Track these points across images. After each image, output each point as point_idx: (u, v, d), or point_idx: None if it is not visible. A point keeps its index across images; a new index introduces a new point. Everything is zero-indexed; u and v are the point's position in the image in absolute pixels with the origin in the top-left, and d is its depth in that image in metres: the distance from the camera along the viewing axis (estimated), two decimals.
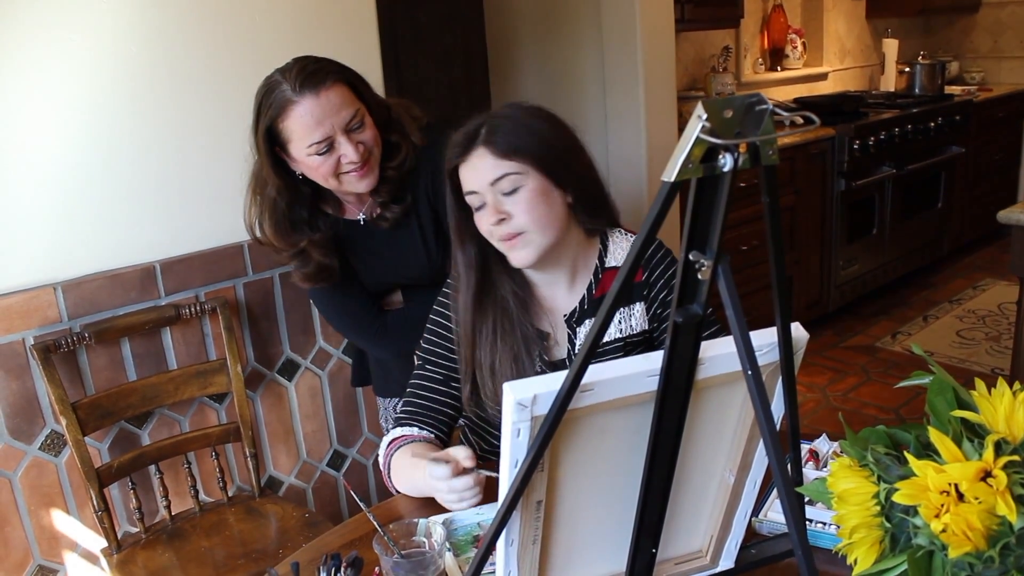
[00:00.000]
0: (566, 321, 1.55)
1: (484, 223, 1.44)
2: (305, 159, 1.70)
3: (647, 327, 1.56)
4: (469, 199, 1.44)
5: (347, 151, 1.68)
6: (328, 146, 1.68)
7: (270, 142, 1.71)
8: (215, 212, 2.18)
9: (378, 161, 1.76)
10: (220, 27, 2.11)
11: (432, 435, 1.52)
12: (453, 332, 1.54)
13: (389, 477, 1.49)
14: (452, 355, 1.55)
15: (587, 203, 1.51)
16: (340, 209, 1.90)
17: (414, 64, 3.84)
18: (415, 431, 1.51)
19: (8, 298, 1.91)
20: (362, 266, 1.93)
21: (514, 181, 1.41)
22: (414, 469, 1.41)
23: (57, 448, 2.03)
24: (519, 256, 1.45)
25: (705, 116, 0.66)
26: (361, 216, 1.88)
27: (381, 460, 1.50)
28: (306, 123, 1.65)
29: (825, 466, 1.36)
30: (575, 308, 1.55)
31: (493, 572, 0.96)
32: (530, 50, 3.79)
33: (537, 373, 1.51)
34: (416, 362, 1.59)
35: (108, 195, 2.03)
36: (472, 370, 1.52)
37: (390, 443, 1.50)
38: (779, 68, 4.95)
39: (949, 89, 5.30)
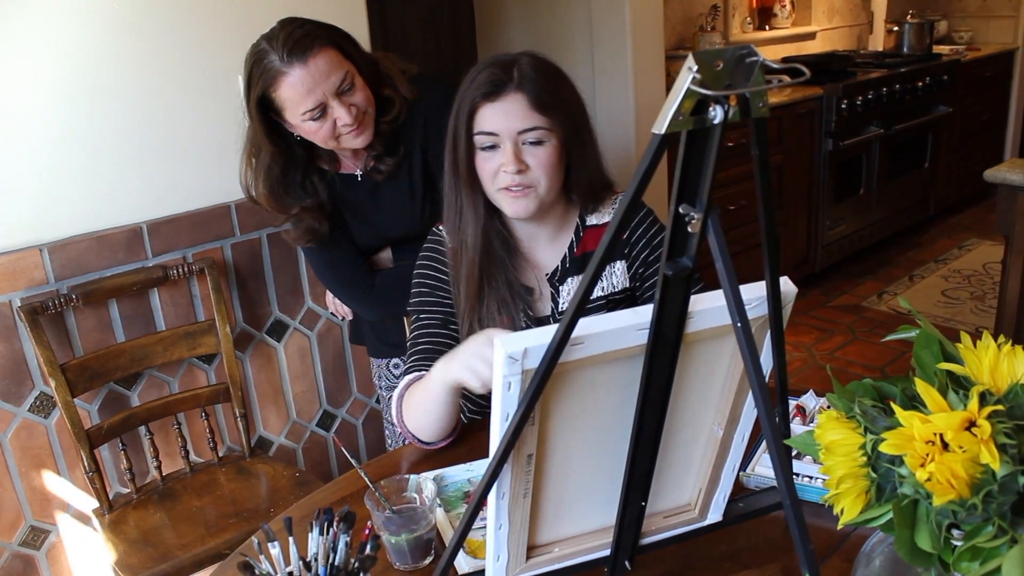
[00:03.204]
0: (548, 279, 1.56)
1: (492, 165, 1.43)
2: (301, 125, 1.71)
3: (628, 285, 1.57)
4: (481, 139, 1.42)
5: (341, 114, 1.69)
6: (321, 111, 1.69)
7: (264, 110, 1.72)
8: (202, 172, 2.17)
9: (373, 119, 1.77)
10: None
11: None
12: (447, 273, 1.54)
13: (403, 421, 1.43)
14: (446, 299, 1.54)
15: (583, 183, 1.52)
16: (336, 164, 1.90)
17: (400, 22, 3.81)
18: (424, 373, 1.44)
19: None
20: (357, 221, 1.94)
21: (540, 136, 1.41)
22: (424, 383, 1.37)
23: (46, 410, 2.03)
24: (519, 207, 1.44)
25: (696, 68, 0.66)
26: (358, 172, 1.90)
27: (394, 409, 1.45)
28: (298, 92, 1.66)
29: (812, 421, 1.38)
30: (557, 266, 1.56)
31: (484, 526, 0.97)
32: (518, 7, 3.75)
33: (522, 324, 1.52)
34: (411, 305, 1.58)
35: (94, 156, 2.01)
36: (472, 309, 1.51)
37: (401, 391, 1.46)
38: (767, 27, 4.92)
39: (937, 48, 5.28)
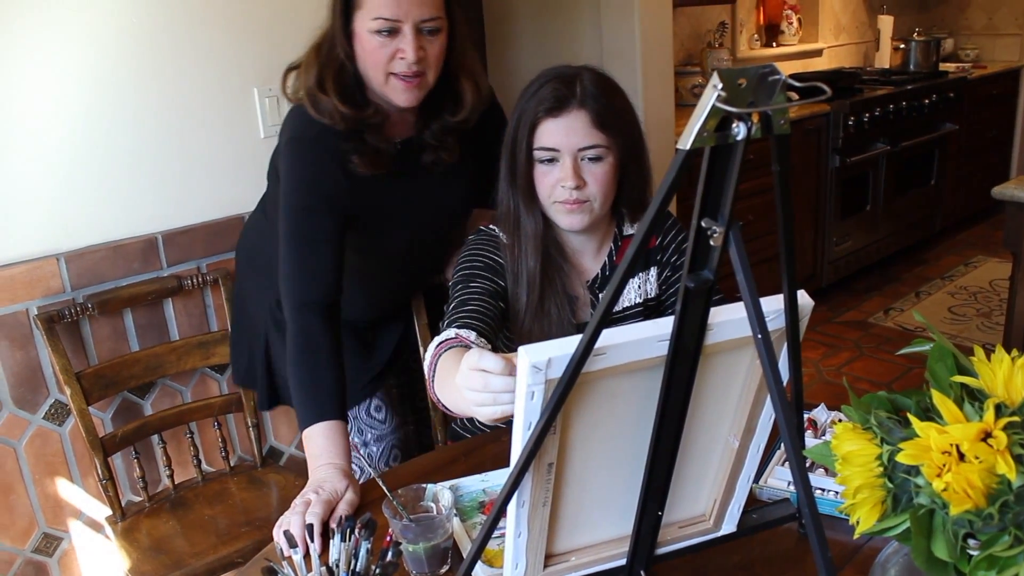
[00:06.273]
0: (588, 287, 1.59)
1: (550, 180, 1.45)
2: (365, 34, 1.55)
3: (660, 291, 1.61)
4: (541, 153, 1.45)
5: (407, 46, 1.53)
6: (390, 32, 1.53)
7: (346, 1, 1.57)
8: (217, 184, 2.19)
9: (428, 87, 1.61)
10: None
11: (488, 346, 1.37)
12: (503, 261, 1.53)
13: (433, 381, 1.29)
14: (500, 282, 1.51)
15: (635, 198, 1.55)
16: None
17: None
18: (472, 336, 1.35)
19: (11, 268, 1.92)
20: (379, 198, 1.72)
21: (600, 153, 1.44)
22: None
23: (61, 417, 2.04)
24: (574, 220, 1.48)
25: (720, 85, 0.68)
26: (397, 140, 1.70)
27: (427, 362, 1.33)
28: None
29: (824, 434, 1.39)
30: (597, 274, 1.59)
31: (501, 535, 0.98)
32: (527, 25, 3.78)
33: (564, 327, 1.52)
34: (457, 278, 1.51)
35: (110, 166, 2.03)
36: (535, 316, 1.50)
37: (441, 343, 1.32)
38: (775, 44, 4.95)
39: (943, 66, 5.31)
